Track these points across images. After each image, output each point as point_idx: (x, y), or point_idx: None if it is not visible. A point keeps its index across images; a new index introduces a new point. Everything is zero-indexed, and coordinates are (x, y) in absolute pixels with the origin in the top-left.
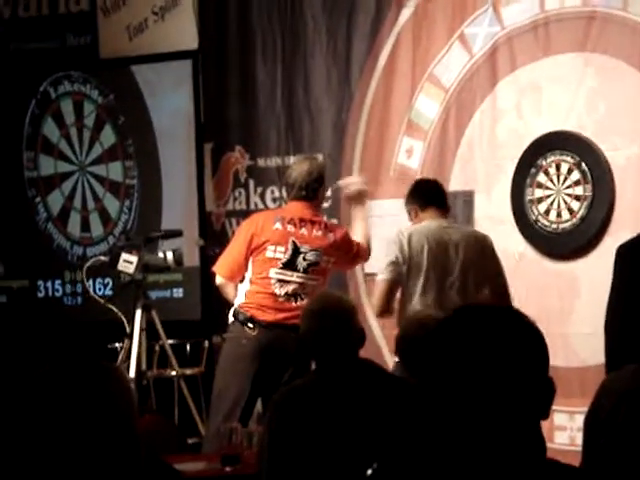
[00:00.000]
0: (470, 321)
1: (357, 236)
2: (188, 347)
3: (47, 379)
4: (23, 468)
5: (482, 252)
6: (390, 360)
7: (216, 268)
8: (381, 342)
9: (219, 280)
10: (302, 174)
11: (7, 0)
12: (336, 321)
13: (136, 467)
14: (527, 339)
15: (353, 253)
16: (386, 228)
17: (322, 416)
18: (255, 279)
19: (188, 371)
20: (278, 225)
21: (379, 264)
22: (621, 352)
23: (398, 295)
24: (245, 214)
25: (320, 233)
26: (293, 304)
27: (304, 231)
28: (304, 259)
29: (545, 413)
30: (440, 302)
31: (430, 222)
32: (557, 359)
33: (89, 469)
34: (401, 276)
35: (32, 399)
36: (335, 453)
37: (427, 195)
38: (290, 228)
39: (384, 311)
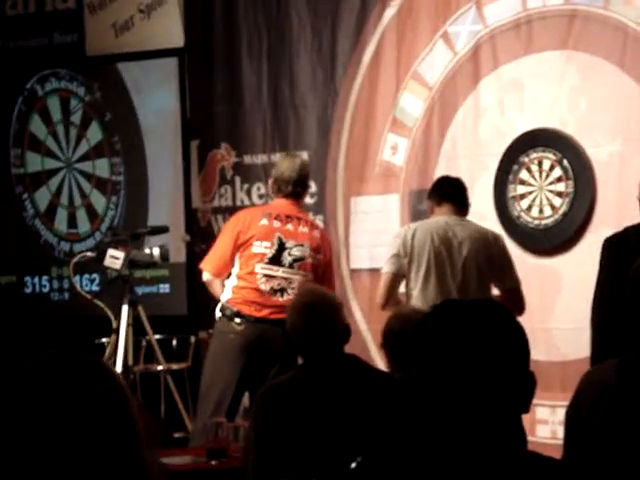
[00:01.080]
0: (451, 316)
1: None
2: (174, 342)
3: (35, 374)
4: (10, 468)
5: (488, 250)
6: (376, 355)
7: (203, 265)
8: (367, 336)
9: (206, 276)
10: (292, 171)
11: None
12: (321, 316)
13: (137, 465)
14: (508, 333)
15: (327, 260)
16: (371, 224)
17: (307, 411)
18: (241, 274)
19: (174, 366)
20: (264, 221)
21: (364, 260)
22: (606, 346)
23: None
24: (231, 211)
25: (306, 229)
26: (279, 299)
27: (290, 227)
28: (289, 254)
29: (526, 407)
30: (440, 298)
31: (440, 218)
32: (539, 354)
33: (83, 469)
34: (402, 269)
35: (22, 396)
36: (320, 447)
37: (443, 191)
38: (276, 224)
39: (385, 303)
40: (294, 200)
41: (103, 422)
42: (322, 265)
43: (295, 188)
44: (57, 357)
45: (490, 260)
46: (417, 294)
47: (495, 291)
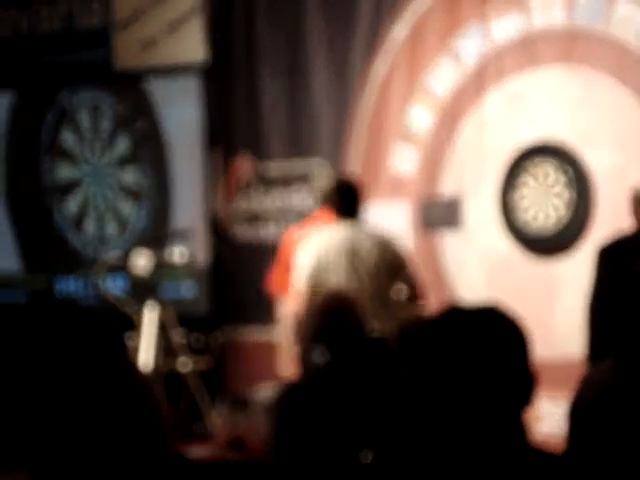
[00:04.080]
0: (457, 321)
1: None
2: (197, 342)
3: (66, 372)
4: (44, 464)
5: (388, 254)
6: None
7: None
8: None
9: None
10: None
11: (25, 15)
12: (343, 316)
13: (159, 454)
14: (511, 338)
15: None
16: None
17: (327, 408)
18: None
19: (197, 364)
20: None
21: None
22: (601, 348)
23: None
24: (251, 216)
25: None
26: None
27: None
28: None
29: (527, 405)
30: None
31: (342, 226)
32: (540, 353)
33: (112, 466)
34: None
35: (57, 394)
36: (339, 443)
37: (345, 207)
38: None
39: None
40: None
41: (129, 419)
42: None
43: None
44: (87, 358)
45: (390, 262)
46: None
47: None
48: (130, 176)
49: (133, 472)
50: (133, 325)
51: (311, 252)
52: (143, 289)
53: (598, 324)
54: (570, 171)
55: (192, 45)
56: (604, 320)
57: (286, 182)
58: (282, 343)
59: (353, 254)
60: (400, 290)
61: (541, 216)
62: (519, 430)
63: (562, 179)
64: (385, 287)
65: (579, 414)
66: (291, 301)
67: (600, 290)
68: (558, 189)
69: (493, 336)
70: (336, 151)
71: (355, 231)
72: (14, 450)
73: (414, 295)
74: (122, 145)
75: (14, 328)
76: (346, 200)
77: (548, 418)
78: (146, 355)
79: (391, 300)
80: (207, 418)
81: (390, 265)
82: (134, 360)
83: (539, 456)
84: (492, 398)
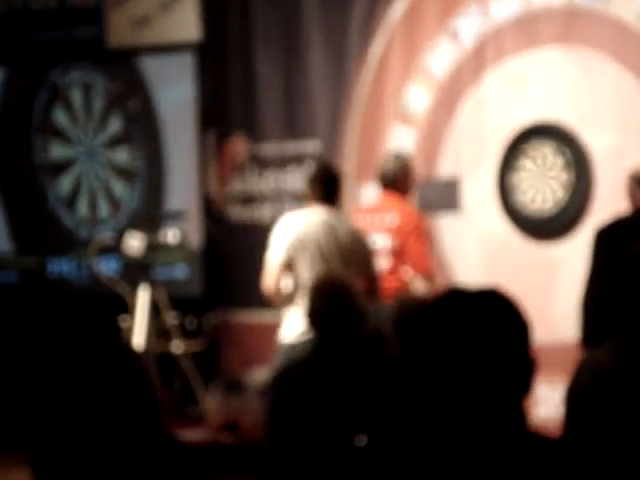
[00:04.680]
0: (456, 304)
1: None
2: (191, 323)
3: (64, 356)
4: (42, 451)
5: (356, 243)
6: None
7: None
8: None
9: None
10: None
11: None
12: (340, 299)
13: (156, 438)
14: (509, 321)
15: None
16: None
17: (322, 391)
18: None
19: (190, 346)
20: None
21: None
22: (596, 330)
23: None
24: (245, 197)
25: None
26: None
27: None
28: None
29: (527, 390)
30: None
31: (317, 210)
32: (539, 337)
33: (110, 449)
34: (290, 258)
35: (52, 376)
36: (332, 426)
37: (324, 192)
38: None
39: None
40: None
41: (126, 400)
42: None
43: None
44: (83, 339)
45: (356, 251)
46: (304, 282)
47: None
48: (123, 156)
49: (128, 454)
50: (126, 307)
51: (289, 229)
52: (136, 270)
53: (594, 307)
54: (568, 153)
55: (186, 23)
56: (600, 303)
57: (281, 163)
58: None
59: (330, 235)
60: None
61: (539, 198)
62: (519, 415)
63: (560, 161)
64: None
65: (575, 398)
66: (267, 275)
67: (596, 272)
68: (556, 171)
69: (494, 319)
70: (332, 133)
71: (331, 216)
72: (10, 433)
73: (374, 290)
74: (115, 124)
75: (5, 309)
76: (325, 187)
77: (545, 402)
78: (139, 337)
79: None
80: (201, 401)
81: (357, 255)
82: (128, 341)
83: (537, 441)
84: (492, 382)
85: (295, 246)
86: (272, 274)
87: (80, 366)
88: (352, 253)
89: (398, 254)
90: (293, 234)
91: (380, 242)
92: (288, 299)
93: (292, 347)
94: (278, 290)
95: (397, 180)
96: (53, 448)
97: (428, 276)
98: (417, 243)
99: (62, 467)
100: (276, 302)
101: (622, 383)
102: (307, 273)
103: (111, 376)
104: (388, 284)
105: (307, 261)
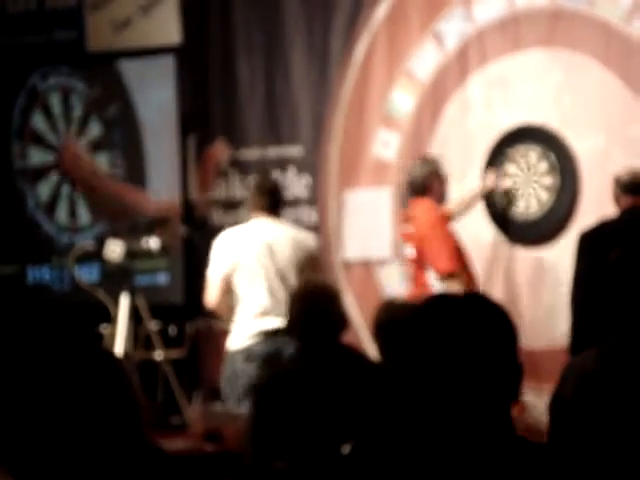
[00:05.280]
0: (442, 309)
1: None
2: (172, 331)
3: (44, 363)
4: (23, 457)
5: (301, 250)
6: (369, 344)
7: None
8: (360, 327)
9: None
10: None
11: None
12: (319, 306)
13: (139, 446)
14: (497, 326)
15: None
16: (363, 217)
17: (303, 399)
18: None
19: (172, 354)
20: None
21: (356, 252)
22: (583, 334)
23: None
24: (227, 203)
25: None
26: None
27: None
28: None
29: (515, 395)
30: (268, 298)
31: (259, 221)
32: (527, 342)
33: (89, 451)
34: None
35: (32, 384)
36: (315, 434)
37: (267, 203)
38: None
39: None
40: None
41: (108, 408)
42: None
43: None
44: (65, 347)
45: (304, 260)
46: (245, 295)
47: None
48: (103, 161)
49: (111, 462)
50: (107, 314)
51: (227, 245)
52: (117, 277)
53: (578, 312)
54: (553, 157)
55: (166, 27)
56: (584, 308)
57: (263, 169)
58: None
59: (267, 248)
60: None
61: (524, 203)
62: (506, 421)
63: (544, 165)
64: (295, 283)
65: (560, 404)
66: (207, 291)
67: (581, 277)
68: (541, 175)
69: (481, 323)
70: (315, 138)
71: (271, 227)
72: None
73: None
74: (95, 129)
75: None
76: (266, 198)
77: (532, 409)
78: (120, 345)
79: None
80: (183, 409)
81: (300, 262)
82: (109, 349)
83: (524, 446)
84: (480, 388)
85: (233, 262)
86: (212, 290)
87: (63, 373)
88: (295, 260)
89: (417, 261)
90: (232, 250)
91: (408, 253)
92: (231, 312)
93: (234, 354)
94: (220, 305)
95: (426, 186)
96: (34, 457)
97: (447, 277)
98: (432, 245)
99: (43, 476)
100: (220, 316)
101: (606, 388)
102: (246, 288)
103: (93, 383)
104: (410, 292)
105: (245, 276)
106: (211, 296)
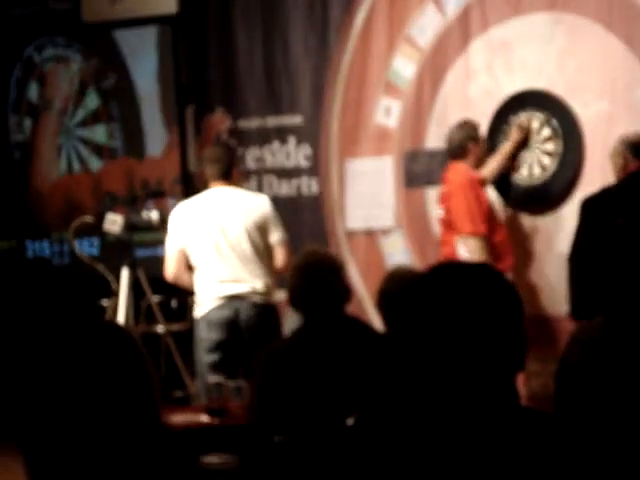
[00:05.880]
0: (446, 277)
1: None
2: (174, 303)
3: (61, 339)
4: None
5: (258, 214)
6: (372, 314)
7: None
8: (363, 296)
9: None
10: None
11: None
12: (322, 277)
13: (154, 423)
14: (502, 294)
15: None
16: (365, 186)
17: (308, 371)
18: None
19: (174, 327)
20: None
21: (359, 221)
22: (583, 302)
23: None
24: None
25: None
26: None
27: None
28: None
29: (520, 365)
30: (224, 268)
31: (214, 190)
32: (530, 309)
33: (105, 429)
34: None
35: (38, 360)
36: (319, 406)
37: (218, 172)
38: None
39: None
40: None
41: (126, 386)
42: None
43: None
44: (77, 322)
45: (258, 222)
46: (200, 265)
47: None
48: (101, 134)
49: (127, 442)
50: (109, 287)
51: (182, 217)
52: (118, 250)
53: (578, 277)
54: (555, 122)
55: None
56: (584, 273)
57: (263, 139)
58: None
59: (217, 216)
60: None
61: (528, 170)
62: (511, 391)
63: (549, 129)
64: (257, 248)
65: (567, 372)
66: (166, 263)
67: (581, 242)
68: (545, 140)
69: (487, 292)
70: (315, 107)
71: (224, 195)
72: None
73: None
74: (92, 101)
75: None
76: (214, 167)
77: (537, 376)
78: (121, 317)
79: (264, 259)
80: (187, 384)
81: (259, 225)
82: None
83: (530, 415)
84: (485, 358)
85: (185, 234)
86: (169, 263)
87: (80, 350)
88: (251, 226)
89: (445, 222)
90: (183, 223)
91: (438, 213)
92: (191, 281)
93: (198, 322)
94: (180, 278)
95: (463, 149)
96: (47, 435)
97: (467, 236)
98: (457, 205)
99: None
100: (182, 287)
101: (613, 357)
102: (200, 257)
103: (109, 359)
104: (440, 254)
105: (198, 246)
106: (169, 269)
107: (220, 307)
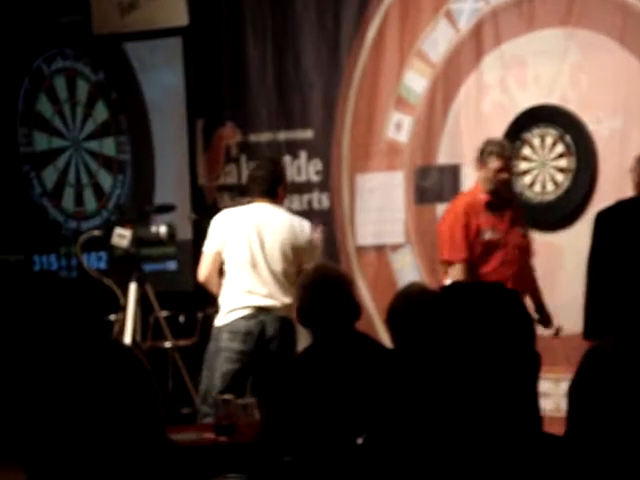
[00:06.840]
0: (459, 297)
1: None
2: (182, 319)
3: (65, 357)
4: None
5: (295, 237)
6: (381, 331)
7: None
8: (373, 313)
9: None
10: None
11: None
12: (332, 293)
13: (159, 441)
14: (514, 315)
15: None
16: (376, 201)
17: (317, 388)
18: None
19: (182, 342)
20: None
21: (369, 237)
22: (597, 316)
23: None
24: (236, 188)
25: None
26: None
27: None
28: None
29: (533, 385)
30: (253, 280)
31: (256, 205)
32: (542, 328)
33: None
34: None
35: (50, 378)
36: (330, 423)
37: (261, 189)
38: None
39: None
40: None
41: (131, 405)
42: None
43: None
44: (88, 341)
45: (295, 246)
46: (231, 273)
47: None
48: (110, 147)
49: (132, 459)
50: (117, 302)
51: (223, 224)
52: (126, 265)
53: (592, 296)
54: (569, 138)
55: (174, 8)
56: (597, 291)
57: (273, 153)
58: None
59: (257, 230)
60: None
61: (541, 185)
62: (531, 414)
63: (562, 146)
64: (287, 269)
65: (579, 392)
66: (200, 265)
67: (597, 257)
68: (558, 156)
69: (498, 311)
70: (326, 121)
71: (266, 211)
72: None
73: None
74: (101, 113)
75: None
76: (258, 185)
77: (549, 396)
78: (129, 332)
79: (292, 282)
80: (194, 400)
81: (294, 247)
82: (119, 337)
83: (543, 437)
84: (497, 377)
85: (224, 240)
86: (203, 265)
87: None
88: (289, 247)
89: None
90: (224, 229)
91: None
92: (219, 288)
93: (219, 330)
94: (210, 281)
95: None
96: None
97: (444, 264)
98: (441, 230)
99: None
100: (210, 291)
101: (626, 376)
102: (232, 266)
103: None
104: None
105: (233, 254)
106: (202, 271)
107: (246, 317)
